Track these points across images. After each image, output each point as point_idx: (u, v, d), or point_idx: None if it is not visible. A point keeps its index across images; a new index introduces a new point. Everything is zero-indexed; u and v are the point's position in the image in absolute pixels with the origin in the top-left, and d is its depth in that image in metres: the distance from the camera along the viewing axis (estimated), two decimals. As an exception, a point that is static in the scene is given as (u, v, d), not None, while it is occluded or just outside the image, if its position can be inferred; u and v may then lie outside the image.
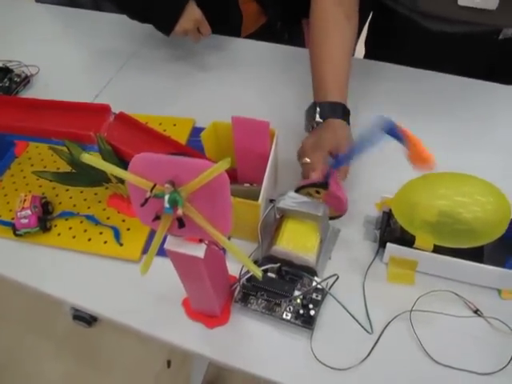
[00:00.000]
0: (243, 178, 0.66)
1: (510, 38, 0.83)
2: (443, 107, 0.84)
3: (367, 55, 1.06)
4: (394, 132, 0.51)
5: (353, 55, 0.76)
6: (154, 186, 0.38)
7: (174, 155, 0.39)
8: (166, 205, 0.38)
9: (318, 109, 0.66)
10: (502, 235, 0.54)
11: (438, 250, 0.58)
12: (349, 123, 0.67)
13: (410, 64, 0.90)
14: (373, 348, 0.55)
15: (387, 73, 0.90)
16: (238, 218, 0.55)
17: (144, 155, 0.39)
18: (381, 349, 0.55)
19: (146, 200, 0.39)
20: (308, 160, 0.61)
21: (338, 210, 0.62)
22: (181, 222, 0.39)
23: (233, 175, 0.67)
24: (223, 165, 0.34)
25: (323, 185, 0.59)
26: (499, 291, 0.60)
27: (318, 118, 0.66)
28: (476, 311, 0.58)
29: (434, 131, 0.71)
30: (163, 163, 0.39)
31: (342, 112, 0.66)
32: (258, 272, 0.42)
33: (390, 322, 0.57)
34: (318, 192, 0.61)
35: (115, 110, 0.65)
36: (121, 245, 0.66)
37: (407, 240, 0.59)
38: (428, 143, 0.51)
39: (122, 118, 0.65)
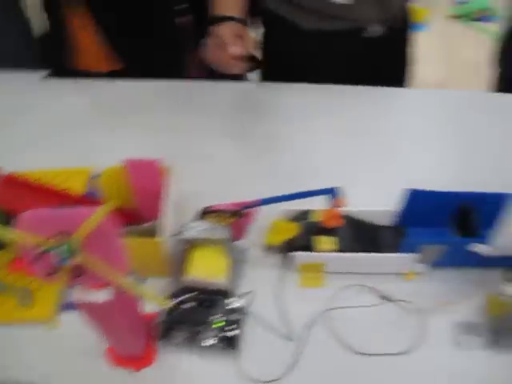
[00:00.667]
0: (145, 217, 0.67)
1: (383, 37, 0.91)
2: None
3: None
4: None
5: None
6: (45, 240, 0.38)
7: (66, 207, 0.39)
8: (60, 256, 0.38)
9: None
10: (391, 223, 0.59)
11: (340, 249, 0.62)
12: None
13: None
14: (298, 353, 0.57)
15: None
16: (145, 257, 0.56)
17: (30, 212, 0.39)
18: (306, 352, 0.57)
19: (38, 256, 0.38)
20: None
21: (236, 236, 0.64)
22: (77, 271, 0.39)
23: (135, 216, 0.67)
24: (105, 209, 0.35)
25: (237, 213, 0.61)
26: (403, 275, 0.65)
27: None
28: (384, 297, 0.62)
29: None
30: (51, 217, 0.39)
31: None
32: (159, 301, 0.42)
33: (310, 326, 0.59)
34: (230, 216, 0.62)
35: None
36: (30, 307, 0.63)
37: (309, 246, 0.63)
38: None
39: (11, 180, 0.63)
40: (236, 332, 0.57)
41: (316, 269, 0.65)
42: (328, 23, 0.88)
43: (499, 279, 0.58)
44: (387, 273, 0.65)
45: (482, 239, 0.58)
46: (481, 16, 2.78)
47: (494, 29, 2.42)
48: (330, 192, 0.58)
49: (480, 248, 0.58)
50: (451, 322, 0.59)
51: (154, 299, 0.43)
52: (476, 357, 0.56)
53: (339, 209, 0.61)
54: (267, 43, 1.00)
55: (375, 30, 0.90)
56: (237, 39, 0.74)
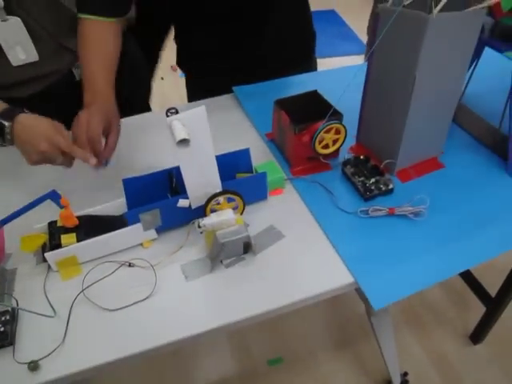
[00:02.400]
0: None
1: None
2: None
3: None
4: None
5: None
6: None
7: None
8: None
9: None
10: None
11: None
12: None
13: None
14: (66, 331, 0.70)
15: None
16: None
17: None
18: (73, 330, 0.70)
19: None
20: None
21: None
22: None
23: None
24: None
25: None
26: (141, 245, 0.82)
27: None
28: (129, 264, 0.79)
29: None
30: None
31: None
32: None
33: (71, 307, 0.73)
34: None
35: None
36: None
37: (60, 246, 0.76)
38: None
39: None
40: (5, 329, 0.67)
41: (71, 262, 0.78)
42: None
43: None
44: (128, 247, 0.81)
45: (183, 196, 0.79)
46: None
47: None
48: (50, 196, 0.73)
49: (182, 202, 0.79)
50: (180, 266, 0.79)
51: None
52: (201, 281, 0.76)
53: (68, 209, 0.76)
54: None
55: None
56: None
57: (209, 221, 0.75)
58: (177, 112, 0.70)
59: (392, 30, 0.77)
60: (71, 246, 0.76)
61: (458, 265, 0.78)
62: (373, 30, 0.82)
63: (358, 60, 2.68)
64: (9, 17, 0.92)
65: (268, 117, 1.01)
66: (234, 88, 1.20)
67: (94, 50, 0.91)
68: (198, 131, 0.71)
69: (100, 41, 0.92)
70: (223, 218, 0.76)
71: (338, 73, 1.29)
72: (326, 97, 0.95)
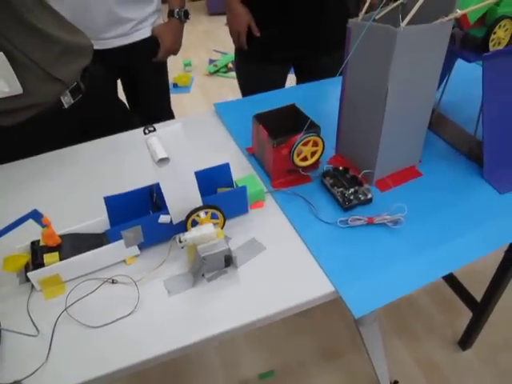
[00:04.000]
0: None
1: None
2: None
3: None
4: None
5: None
6: None
7: None
8: None
9: None
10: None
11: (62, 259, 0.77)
12: None
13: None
14: (49, 350, 0.70)
15: None
16: None
17: None
18: (57, 349, 0.70)
19: None
20: None
21: None
22: None
23: None
24: None
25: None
26: (124, 261, 0.83)
27: None
28: (112, 281, 0.79)
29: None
30: None
31: None
32: None
33: (55, 325, 0.73)
34: None
35: None
36: None
37: (42, 265, 0.77)
38: None
39: None
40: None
41: (54, 281, 0.79)
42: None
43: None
44: (111, 264, 0.82)
45: (164, 211, 0.80)
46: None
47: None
48: (32, 216, 0.73)
49: (163, 218, 0.80)
50: (162, 281, 0.79)
51: None
52: (183, 295, 0.77)
53: (50, 228, 0.76)
54: None
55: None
56: None
57: (189, 235, 0.76)
58: (154, 130, 0.72)
59: (363, 43, 0.79)
60: (54, 264, 0.77)
61: (437, 269, 0.80)
62: (346, 44, 0.84)
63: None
64: None
65: (248, 132, 1.03)
66: (214, 104, 1.22)
67: None
68: (176, 148, 0.72)
69: None
70: (203, 232, 0.77)
71: (316, 86, 1.31)
72: (304, 110, 0.97)
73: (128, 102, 1.64)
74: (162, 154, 0.68)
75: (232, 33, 1.52)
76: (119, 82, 1.65)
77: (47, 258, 0.78)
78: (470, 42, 0.87)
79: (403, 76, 0.79)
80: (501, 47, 0.87)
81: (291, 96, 1.23)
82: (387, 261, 0.81)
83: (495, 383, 1.49)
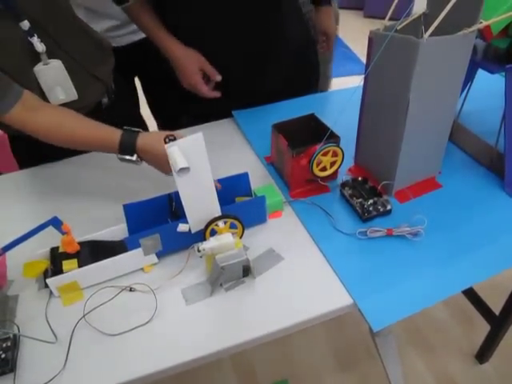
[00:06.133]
0: None
1: None
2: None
3: None
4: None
5: None
6: None
7: None
8: None
9: None
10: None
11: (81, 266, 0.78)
12: None
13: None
14: (67, 357, 0.70)
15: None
16: None
17: None
18: (74, 356, 0.70)
19: None
20: None
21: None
22: None
23: None
24: None
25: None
26: (142, 269, 0.83)
27: None
28: (130, 289, 0.80)
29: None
30: None
31: None
32: None
33: (73, 332, 0.73)
34: None
35: None
36: None
37: (61, 271, 0.77)
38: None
39: None
40: (6, 355, 0.68)
41: (73, 287, 0.79)
42: None
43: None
44: (130, 272, 0.82)
45: (183, 220, 0.80)
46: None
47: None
48: (52, 223, 0.74)
49: (182, 227, 0.80)
50: (180, 290, 0.79)
51: None
52: (201, 304, 0.77)
53: (70, 235, 0.77)
54: None
55: None
56: None
57: (208, 245, 0.76)
58: (175, 139, 0.72)
59: (385, 54, 0.79)
60: (73, 271, 0.77)
61: (457, 283, 0.79)
62: (367, 54, 0.84)
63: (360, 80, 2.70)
64: (50, 60, 0.93)
65: (267, 140, 1.03)
66: (233, 112, 1.22)
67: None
68: (196, 158, 0.72)
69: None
70: (222, 241, 0.76)
71: (335, 95, 1.31)
72: (323, 119, 0.96)
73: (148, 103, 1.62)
74: (182, 164, 0.68)
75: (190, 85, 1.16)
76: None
77: (66, 264, 0.78)
78: (492, 53, 0.86)
79: (425, 87, 0.79)
80: (524, 59, 0.86)
81: (311, 105, 1.23)
82: (406, 273, 0.80)
83: (513, 398, 1.46)
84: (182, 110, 1.32)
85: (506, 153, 0.92)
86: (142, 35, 1.32)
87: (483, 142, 1.06)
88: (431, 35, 0.72)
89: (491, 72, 0.86)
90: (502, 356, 1.53)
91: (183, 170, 0.69)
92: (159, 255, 0.83)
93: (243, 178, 0.90)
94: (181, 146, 0.71)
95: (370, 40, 0.82)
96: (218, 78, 1.14)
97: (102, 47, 1.10)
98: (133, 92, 1.51)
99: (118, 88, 1.17)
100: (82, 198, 0.99)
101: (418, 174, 0.96)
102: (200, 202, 0.77)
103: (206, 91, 1.15)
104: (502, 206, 0.92)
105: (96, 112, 1.06)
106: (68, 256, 0.79)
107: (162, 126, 1.68)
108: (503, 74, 0.86)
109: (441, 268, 0.81)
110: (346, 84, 1.40)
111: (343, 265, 0.81)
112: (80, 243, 0.81)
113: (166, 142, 0.71)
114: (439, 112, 0.85)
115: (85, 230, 0.83)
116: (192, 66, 1.11)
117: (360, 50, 3.63)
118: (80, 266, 0.78)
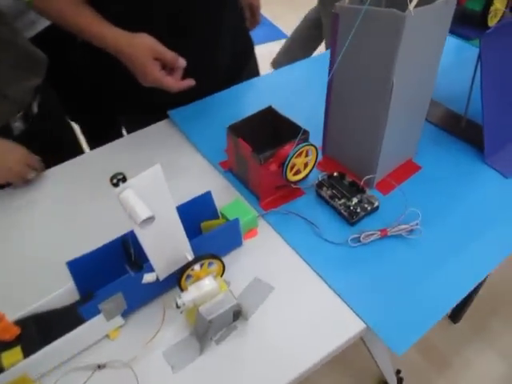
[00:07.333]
0: None
1: None
2: None
3: None
4: None
5: None
6: None
7: None
8: None
9: None
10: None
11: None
12: None
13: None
14: None
15: None
16: None
17: None
18: None
19: None
20: None
21: None
22: None
23: None
24: None
25: None
26: (108, 336, 0.67)
27: None
28: (99, 366, 0.63)
29: None
30: None
31: None
32: None
33: None
34: None
35: None
36: None
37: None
38: None
39: None
40: None
41: (23, 381, 0.62)
42: None
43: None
44: (92, 343, 0.66)
45: (147, 269, 0.64)
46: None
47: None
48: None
49: (148, 277, 0.64)
50: (162, 354, 0.64)
51: None
52: (191, 367, 0.63)
53: (3, 320, 0.59)
54: None
55: None
56: None
57: (188, 297, 0.62)
58: (124, 178, 0.55)
59: (358, 32, 0.66)
60: (18, 364, 0.60)
61: (470, 277, 0.71)
62: (332, 33, 0.70)
63: (276, 47, 2.52)
64: None
65: (216, 141, 0.88)
66: (168, 112, 1.04)
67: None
68: (156, 196, 0.57)
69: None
70: (204, 289, 0.62)
71: (276, 76, 1.17)
72: (279, 108, 0.82)
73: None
74: (145, 214, 0.52)
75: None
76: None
77: (6, 357, 0.60)
78: (468, 18, 0.76)
79: (408, 66, 0.67)
80: (496, 19, 0.77)
81: (252, 91, 1.08)
82: (413, 279, 0.71)
83: (489, 349, 1.48)
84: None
85: (484, 124, 0.84)
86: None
87: (451, 111, 0.98)
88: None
89: (468, 38, 0.76)
90: (472, 312, 1.53)
91: (147, 220, 0.53)
92: (125, 315, 0.67)
93: (206, 198, 0.75)
94: (136, 187, 0.55)
95: (336, 16, 0.69)
96: (182, 62, 0.86)
97: (30, 60, 0.92)
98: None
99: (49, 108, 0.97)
100: (12, 264, 0.79)
101: (398, 158, 0.86)
102: (166, 246, 0.63)
103: (173, 83, 0.86)
104: (488, 179, 0.86)
105: (5, 137, 0.86)
106: (7, 345, 0.61)
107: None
108: (473, 43, 0.78)
109: (446, 265, 0.72)
110: (270, 53, 1.26)
111: (341, 282, 0.71)
112: (20, 322, 0.63)
113: (113, 185, 0.54)
114: (420, 90, 0.75)
115: (22, 302, 0.64)
116: (142, 57, 0.83)
117: (270, 14, 3.46)
118: (26, 354, 0.61)
